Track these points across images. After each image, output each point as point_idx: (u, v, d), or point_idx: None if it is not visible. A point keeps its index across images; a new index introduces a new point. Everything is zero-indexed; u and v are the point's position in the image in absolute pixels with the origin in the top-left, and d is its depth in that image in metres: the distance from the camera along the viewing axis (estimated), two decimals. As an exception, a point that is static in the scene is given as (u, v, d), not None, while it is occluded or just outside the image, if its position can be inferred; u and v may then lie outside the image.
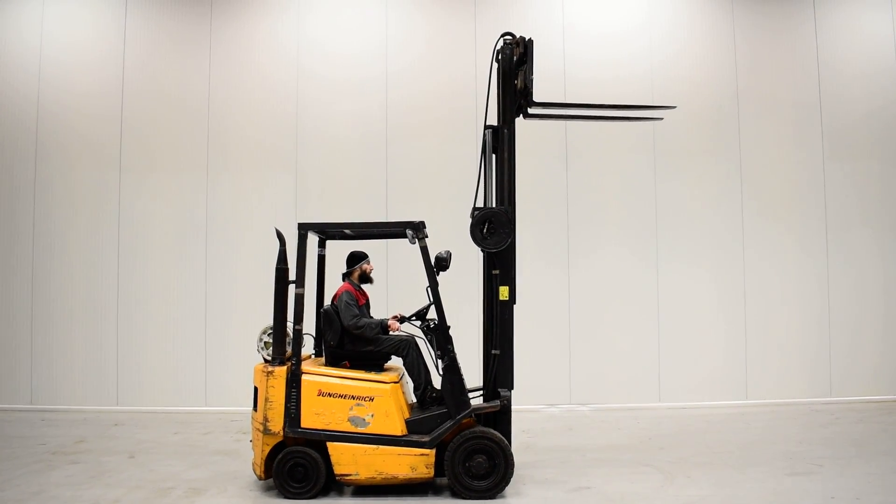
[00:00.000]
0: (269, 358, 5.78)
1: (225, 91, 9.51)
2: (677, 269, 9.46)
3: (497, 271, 5.89)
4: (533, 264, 9.15)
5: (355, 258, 6.22)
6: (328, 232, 6.24)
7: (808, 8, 9.79)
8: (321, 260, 6.51)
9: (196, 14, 9.55)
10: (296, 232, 5.86)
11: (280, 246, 5.79)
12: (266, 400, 5.58)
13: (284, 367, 5.60)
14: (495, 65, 6.27)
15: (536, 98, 6.10)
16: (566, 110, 6.87)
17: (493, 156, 6.13)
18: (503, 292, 5.86)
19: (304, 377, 5.57)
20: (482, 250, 5.95)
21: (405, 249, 6.70)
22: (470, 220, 5.90)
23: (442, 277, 5.82)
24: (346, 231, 6.14)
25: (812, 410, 8.93)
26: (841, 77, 9.77)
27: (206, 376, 9.23)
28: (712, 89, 9.65)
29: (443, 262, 5.76)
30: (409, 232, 5.72)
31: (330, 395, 5.55)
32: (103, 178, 9.42)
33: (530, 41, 6.00)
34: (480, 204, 6.17)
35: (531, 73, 6.00)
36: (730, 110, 9.64)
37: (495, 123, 6.16)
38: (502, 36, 6.15)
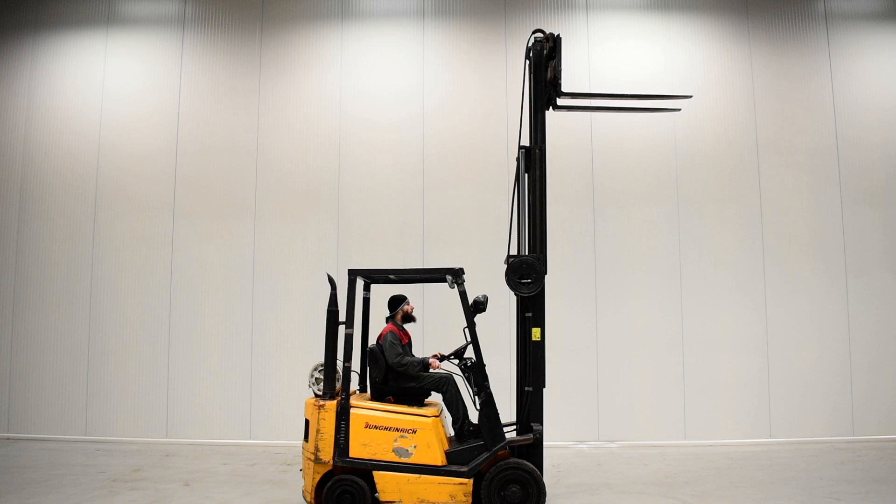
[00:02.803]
0: (320, 393, 6.26)
1: (272, 140, 10.17)
2: (701, 311, 9.79)
3: (530, 314, 6.33)
4: (562, 305, 9.58)
5: (396, 301, 6.73)
6: (374, 277, 6.75)
7: (824, 56, 10.23)
8: (366, 302, 7.01)
9: (247, 68, 10.27)
10: (338, 274, 6.38)
11: (331, 290, 6.30)
12: (317, 431, 6.04)
13: (334, 402, 6.08)
14: (527, 62, 6.74)
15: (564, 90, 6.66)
16: (592, 101, 7.41)
17: (526, 175, 6.56)
18: (535, 333, 6.29)
19: (352, 411, 6.04)
20: (516, 295, 6.40)
21: (441, 292, 7.18)
22: (503, 266, 6.37)
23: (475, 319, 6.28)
24: (391, 276, 6.65)
25: (834, 448, 9.16)
26: (857, 124, 10.14)
27: (250, 411, 9.72)
28: (732, 138, 10.07)
29: (480, 306, 6.25)
30: (448, 277, 6.20)
31: (376, 427, 6.01)
32: (157, 224, 10.08)
33: (559, 37, 6.57)
34: (514, 248, 6.63)
35: (559, 65, 6.54)
36: (750, 158, 10.04)
37: (527, 144, 6.61)
38: (533, 33, 6.68)
